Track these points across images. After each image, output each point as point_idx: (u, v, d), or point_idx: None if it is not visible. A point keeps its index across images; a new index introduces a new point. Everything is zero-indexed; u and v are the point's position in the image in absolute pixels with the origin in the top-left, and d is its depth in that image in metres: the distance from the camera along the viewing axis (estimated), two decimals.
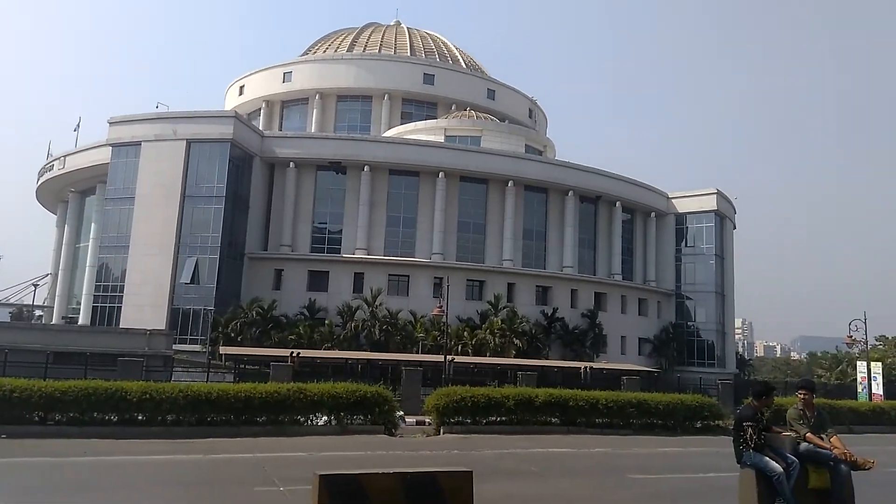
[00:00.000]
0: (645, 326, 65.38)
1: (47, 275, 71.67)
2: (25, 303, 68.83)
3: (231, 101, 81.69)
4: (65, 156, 64.07)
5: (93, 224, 63.34)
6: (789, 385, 48.40)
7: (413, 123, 68.25)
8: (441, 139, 63.88)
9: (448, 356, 36.26)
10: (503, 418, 18.79)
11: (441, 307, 33.23)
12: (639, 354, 63.67)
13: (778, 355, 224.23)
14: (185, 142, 52.18)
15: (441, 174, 58.16)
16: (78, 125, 72.51)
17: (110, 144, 54.42)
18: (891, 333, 71.90)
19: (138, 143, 53.02)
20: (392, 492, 5.73)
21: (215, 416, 15.96)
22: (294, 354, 33.63)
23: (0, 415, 14.51)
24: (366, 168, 57.17)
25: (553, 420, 19.54)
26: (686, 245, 68.90)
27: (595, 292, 62.04)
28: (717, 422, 21.90)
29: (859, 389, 36.16)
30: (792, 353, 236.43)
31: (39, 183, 69.45)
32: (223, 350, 38.27)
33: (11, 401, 14.50)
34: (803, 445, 8.37)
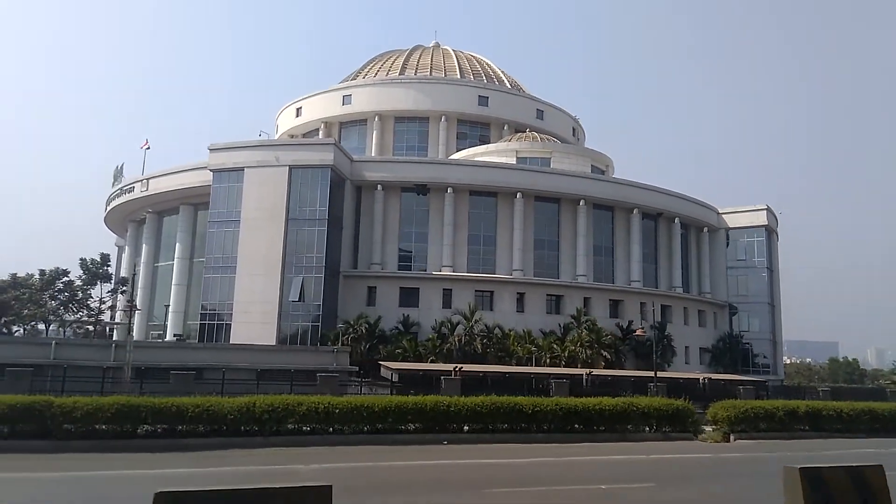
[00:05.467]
0: (704, 337, 69.09)
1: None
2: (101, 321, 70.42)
3: (286, 122, 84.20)
4: (147, 178, 66.06)
5: (177, 244, 65.56)
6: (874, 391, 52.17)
7: (485, 146, 71.44)
8: (513, 160, 67.16)
9: (586, 370, 39.26)
10: (773, 426, 21.92)
11: (643, 329, 36.28)
12: (700, 364, 67.31)
13: None
14: (287, 168, 54.82)
15: (518, 195, 61.40)
16: (146, 146, 73.57)
17: (211, 169, 56.78)
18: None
19: (241, 169, 55.56)
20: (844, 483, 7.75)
21: (578, 425, 18.87)
22: (457, 369, 36.41)
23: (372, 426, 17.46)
24: (449, 190, 60.16)
25: (806, 427, 22.73)
26: (737, 258, 72.96)
27: (661, 305, 65.55)
28: None
29: None
30: (785, 358, 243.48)
31: (113, 206, 71.13)
32: (385, 364, 40.82)
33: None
34: None
